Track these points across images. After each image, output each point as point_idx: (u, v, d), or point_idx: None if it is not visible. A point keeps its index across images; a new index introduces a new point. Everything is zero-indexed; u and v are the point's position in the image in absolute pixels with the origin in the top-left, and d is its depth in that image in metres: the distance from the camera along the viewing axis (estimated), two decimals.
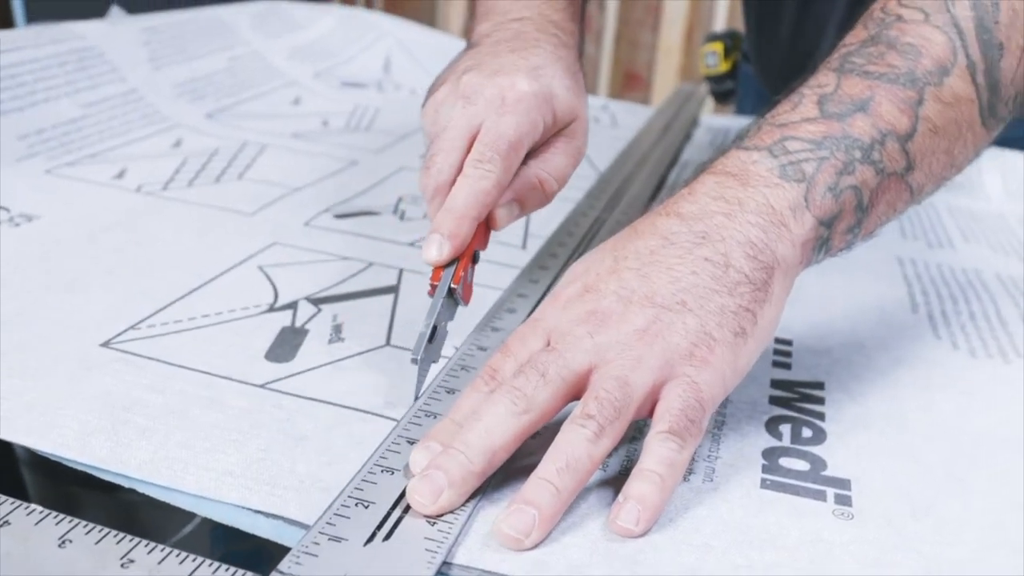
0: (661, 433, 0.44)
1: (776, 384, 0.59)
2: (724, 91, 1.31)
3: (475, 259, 0.55)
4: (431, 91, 0.59)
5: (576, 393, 0.45)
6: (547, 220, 0.79)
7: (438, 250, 0.52)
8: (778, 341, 0.64)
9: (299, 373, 0.54)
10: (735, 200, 0.49)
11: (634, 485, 0.43)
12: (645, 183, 0.92)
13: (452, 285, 0.52)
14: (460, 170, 0.54)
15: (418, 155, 0.95)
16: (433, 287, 0.52)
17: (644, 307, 0.46)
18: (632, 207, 0.84)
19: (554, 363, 0.44)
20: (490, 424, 0.43)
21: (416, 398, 0.50)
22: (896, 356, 0.64)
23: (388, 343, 0.58)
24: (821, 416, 0.55)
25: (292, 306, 0.61)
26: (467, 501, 0.42)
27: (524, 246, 0.75)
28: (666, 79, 2.94)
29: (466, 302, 0.53)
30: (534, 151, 0.58)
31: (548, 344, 0.47)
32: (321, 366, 0.55)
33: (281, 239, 0.71)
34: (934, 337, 0.68)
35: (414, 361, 0.49)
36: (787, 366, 0.61)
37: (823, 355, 0.63)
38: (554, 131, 0.59)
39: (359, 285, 0.65)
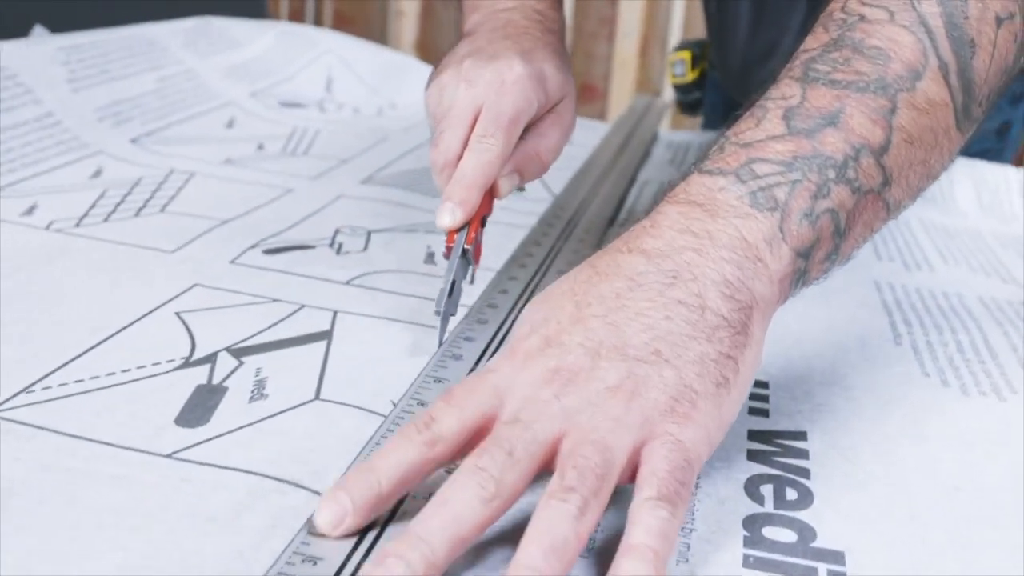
0: (650, 500, 0.38)
1: (754, 436, 0.52)
2: (691, 101, 1.26)
3: (483, 223, 0.60)
4: (433, 76, 0.63)
5: (546, 465, 0.40)
6: (497, 248, 0.73)
7: (451, 217, 0.57)
8: (754, 384, 0.58)
9: (213, 439, 0.47)
10: (704, 233, 0.45)
11: (626, 565, 0.36)
12: (602, 207, 0.86)
13: (466, 246, 0.57)
14: (466, 145, 0.58)
15: (359, 180, 0.89)
16: (448, 249, 0.57)
17: (615, 361, 0.42)
18: (589, 233, 0.78)
19: (520, 439, 0.39)
20: (458, 511, 0.37)
21: (440, 344, 0.56)
22: (883, 398, 0.59)
23: (317, 397, 0.52)
24: (806, 473, 0.49)
25: (210, 359, 0.54)
26: None
27: (471, 280, 0.69)
28: (622, 91, 2.89)
29: (477, 262, 0.60)
30: (530, 127, 0.62)
31: (500, 402, 0.42)
32: (239, 429, 0.48)
33: (203, 280, 0.64)
34: (922, 374, 0.63)
35: (437, 313, 0.56)
36: (764, 413, 0.55)
37: (803, 399, 0.57)
38: (547, 108, 0.63)
39: (288, 331, 0.59)
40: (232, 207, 0.79)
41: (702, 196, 0.47)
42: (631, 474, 0.40)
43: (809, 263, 0.47)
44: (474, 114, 0.59)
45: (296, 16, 3.09)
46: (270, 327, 0.59)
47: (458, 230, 0.57)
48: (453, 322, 0.58)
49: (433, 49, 3.41)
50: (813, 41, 0.52)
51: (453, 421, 0.41)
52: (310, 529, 0.39)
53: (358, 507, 0.39)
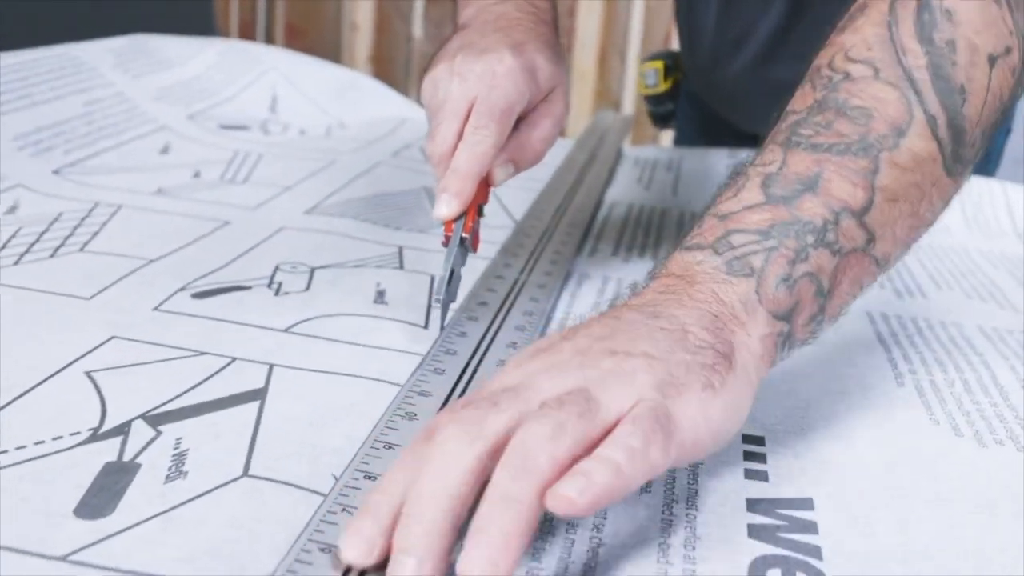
0: (624, 426, 0.37)
1: (754, 506, 0.46)
2: (664, 113, 1.22)
3: (480, 212, 0.61)
4: (428, 70, 0.64)
5: None
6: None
7: (447, 207, 0.58)
8: (748, 440, 0.52)
9: (118, 533, 0.39)
10: (684, 294, 0.46)
11: (584, 463, 0.35)
12: (568, 232, 0.79)
13: (463, 235, 0.58)
14: (460, 137, 0.59)
15: (302, 210, 0.81)
16: (447, 238, 0.59)
17: (604, 355, 0.41)
18: (556, 264, 0.72)
19: (506, 396, 0.39)
20: (440, 465, 0.36)
21: (441, 329, 0.58)
22: (892, 452, 0.52)
23: (246, 472, 0.44)
24: (817, 552, 0.42)
25: (122, 430, 0.47)
26: None
27: (426, 325, 0.62)
28: (582, 102, 2.84)
29: (475, 250, 0.61)
30: (522, 117, 0.63)
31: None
32: (150, 519, 0.40)
33: (121, 331, 0.57)
34: (931, 421, 0.56)
35: (437, 301, 0.58)
36: (763, 476, 0.48)
37: (805, 456, 0.51)
38: (539, 99, 0.64)
39: (216, 390, 0.51)
40: (160, 244, 0.71)
41: (681, 269, 0.47)
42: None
43: (792, 326, 0.47)
44: (467, 107, 0.60)
45: (246, 29, 3.01)
46: (195, 386, 0.51)
47: (455, 220, 0.59)
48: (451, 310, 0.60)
49: (388, 63, 3.33)
50: (799, 102, 0.52)
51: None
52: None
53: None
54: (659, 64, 1.18)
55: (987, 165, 1.13)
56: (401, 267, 0.71)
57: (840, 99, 0.50)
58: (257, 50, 1.19)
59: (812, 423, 0.54)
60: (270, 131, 1.08)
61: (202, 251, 0.70)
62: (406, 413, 0.48)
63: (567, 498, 0.34)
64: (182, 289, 0.63)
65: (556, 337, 0.44)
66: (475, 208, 0.60)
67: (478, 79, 0.60)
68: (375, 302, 0.64)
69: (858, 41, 0.51)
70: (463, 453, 0.36)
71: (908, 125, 0.49)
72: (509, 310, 0.63)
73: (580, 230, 0.81)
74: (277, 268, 0.68)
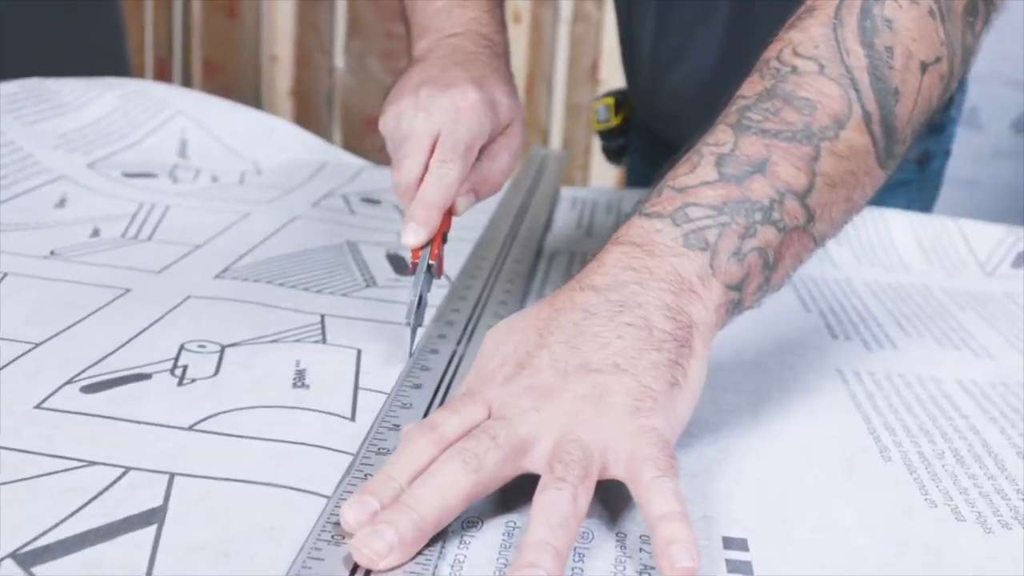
0: (655, 477, 0.43)
1: None
2: (616, 148, 1.22)
3: (444, 239, 0.64)
4: (389, 103, 0.66)
5: (523, 465, 0.45)
6: (387, 358, 0.59)
7: (415, 236, 0.61)
8: (730, 545, 0.45)
9: None
10: (644, 269, 0.50)
11: (668, 529, 0.41)
12: (507, 292, 0.72)
13: (430, 262, 0.61)
14: (426, 169, 0.62)
15: (212, 274, 0.73)
16: (414, 265, 0.61)
17: (581, 375, 0.47)
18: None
19: (504, 429, 0.45)
20: (442, 482, 0.42)
21: (410, 355, 0.60)
22: (892, 545, 0.46)
23: None
24: None
25: None
26: None
27: (352, 416, 0.54)
28: None
29: (439, 276, 0.64)
30: (483, 150, 0.66)
31: (488, 412, 0.47)
32: None
33: None
34: (926, 503, 0.50)
35: (407, 324, 0.60)
36: None
37: (795, 560, 0.44)
38: (499, 132, 0.67)
39: (104, 514, 0.43)
40: (49, 321, 0.62)
41: (641, 237, 0.52)
42: (621, 470, 0.45)
43: (742, 294, 0.52)
44: (432, 140, 0.63)
45: (162, 66, 2.90)
46: (79, 510, 0.43)
47: (422, 247, 0.61)
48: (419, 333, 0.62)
49: (310, 96, 3.25)
50: (749, 88, 0.56)
51: (455, 423, 0.46)
52: (339, 532, 0.42)
53: (383, 503, 0.42)
54: (610, 100, 1.19)
55: (928, 187, 1.12)
56: (323, 340, 0.63)
57: (788, 90, 0.54)
58: (162, 92, 1.10)
59: (797, 516, 0.48)
60: (179, 178, 0.99)
61: (97, 328, 0.62)
62: (331, 540, 0.41)
63: (688, 568, 0.40)
64: (71, 381, 0.55)
65: (532, 335, 0.49)
66: (440, 236, 0.63)
67: (443, 113, 0.63)
68: (294, 386, 0.57)
69: (805, 39, 0.55)
70: (460, 481, 0.43)
71: (847, 118, 0.53)
72: (447, 389, 0.56)
73: (521, 286, 0.74)
74: (182, 348, 0.60)
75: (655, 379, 0.47)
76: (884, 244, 0.96)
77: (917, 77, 0.55)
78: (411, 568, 0.41)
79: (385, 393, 0.57)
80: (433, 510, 0.42)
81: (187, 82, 3.00)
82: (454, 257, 0.80)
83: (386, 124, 0.66)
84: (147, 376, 0.56)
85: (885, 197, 0.97)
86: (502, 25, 0.77)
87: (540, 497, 0.42)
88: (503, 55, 0.74)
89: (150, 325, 0.63)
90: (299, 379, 0.58)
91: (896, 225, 0.98)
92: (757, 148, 0.53)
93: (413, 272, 0.61)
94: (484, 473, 0.43)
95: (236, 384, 0.56)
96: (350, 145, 3.25)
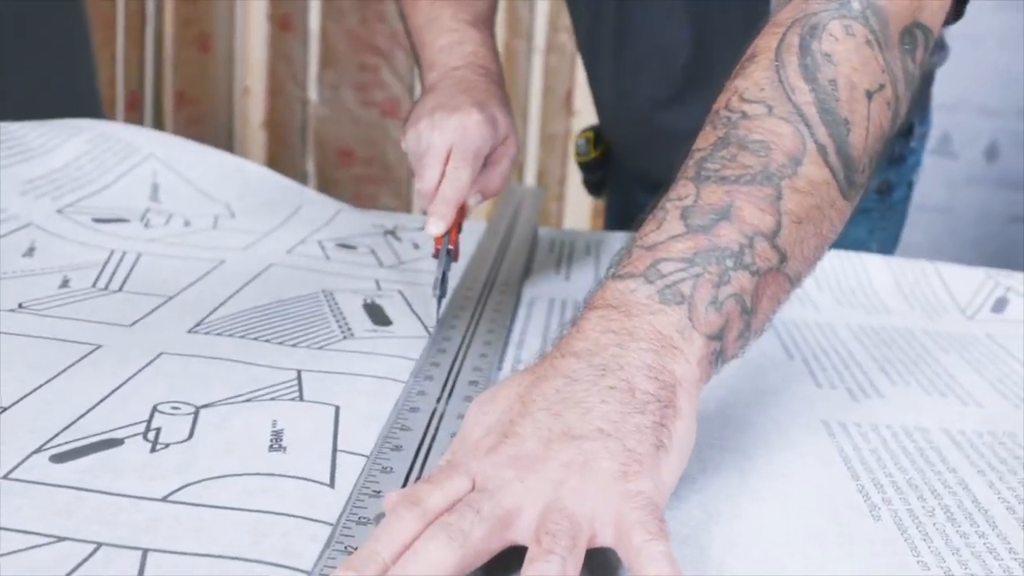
0: (646, 541, 0.42)
1: None
2: (596, 180, 1.27)
3: (459, 229, 0.78)
4: (410, 124, 0.80)
5: (509, 538, 0.44)
6: (366, 419, 0.57)
7: (436, 227, 0.73)
8: None
9: None
10: (623, 331, 0.50)
11: None
12: (487, 344, 0.71)
13: (449, 246, 0.76)
14: (443, 175, 0.75)
15: (185, 329, 0.71)
16: (436, 250, 0.76)
17: (565, 442, 0.46)
18: (476, 385, 0.63)
19: (487, 501, 0.44)
20: (428, 558, 0.42)
21: (437, 321, 0.75)
22: None
23: None
24: None
25: None
26: None
27: (331, 483, 0.53)
28: None
29: (456, 259, 0.78)
30: (486, 158, 0.79)
31: (472, 483, 0.46)
32: None
33: None
34: (920, 567, 0.50)
35: (434, 295, 0.76)
36: None
37: None
38: (498, 143, 0.80)
39: None
40: (16, 383, 0.61)
41: (617, 299, 0.52)
42: (610, 537, 0.44)
43: (724, 343, 0.52)
44: (447, 152, 0.76)
45: (133, 99, 2.88)
46: None
47: (443, 235, 0.75)
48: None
49: (283, 128, 3.23)
50: (703, 140, 0.57)
51: (439, 497, 0.45)
52: None
53: None
54: (590, 134, 1.23)
55: (891, 216, 1.15)
56: (300, 397, 0.62)
57: (740, 135, 0.55)
58: (132, 135, 1.08)
59: None
60: (151, 223, 0.98)
61: (67, 389, 0.60)
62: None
63: None
64: (39, 450, 0.53)
65: (515, 404, 0.49)
66: (456, 227, 0.77)
67: (453, 131, 0.76)
68: (271, 449, 0.55)
69: (751, 84, 0.57)
70: (447, 558, 0.42)
71: (803, 154, 0.55)
72: (427, 452, 0.55)
73: (501, 337, 0.73)
74: (155, 409, 0.59)
75: (640, 442, 0.46)
76: (864, 288, 0.95)
77: (864, 105, 0.57)
78: None
79: (364, 456, 0.55)
80: None
81: (158, 115, 2.98)
82: (433, 306, 0.79)
83: (407, 141, 0.79)
84: (119, 442, 0.54)
85: (847, 226, 1.00)
86: (496, 55, 0.90)
87: (528, 569, 0.41)
88: (498, 81, 0.87)
89: (122, 384, 0.62)
90: (276, 441, 0.56)
91: (875, 270, 0.98)
92: (719, 196, 0.53)
93: (436, 257, 0.77)
94: (470, 548, 0.42)
95: (211, 448, 0.54)
96: (324, 177, 3.24)
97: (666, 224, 0.54)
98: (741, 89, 0.57)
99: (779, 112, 0.55)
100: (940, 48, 1.08)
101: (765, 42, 0.59)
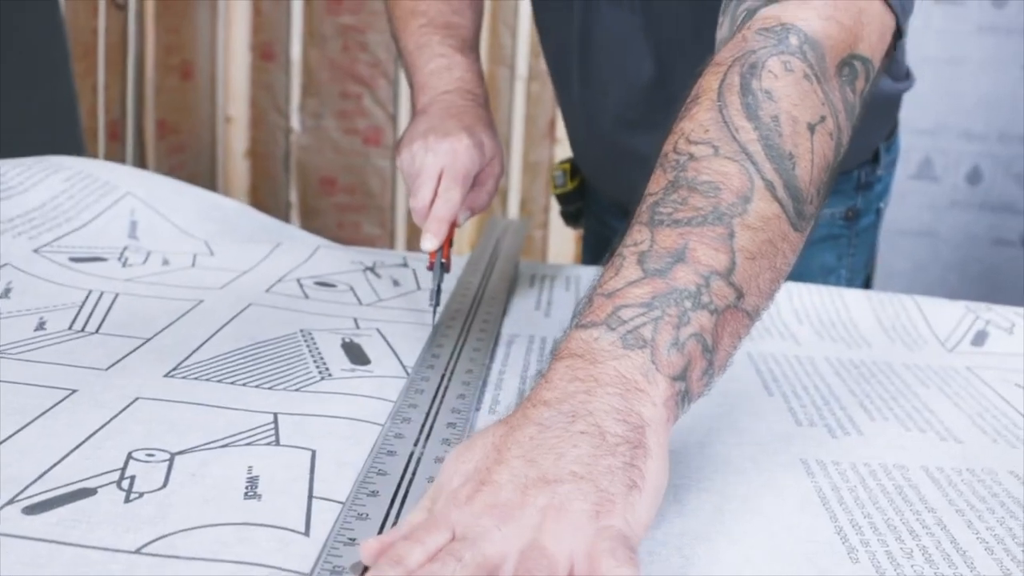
0: (615, 567, 0.44)
1: None
2: (573, 211, 1.30)
3: (451, 244, 0.85)
4: (404, 146, 0.87)
5: None
6: (341, 467, 0.57)
7: (430, 242, 0.81)
8: None
9: None
10: (590, 378, 0.52)
11: None
12: (466, 384, 0.71)
13: (443, 260, 0.83)
14: (435, 195, 0.83)
15: (162, 373, 0.70)
16: (431, 263, 0.83)
17: (540, 488, 0.47)
18: (454, 428, 0.63)
19: (468, 549, 0.45)
20: None
21: (432, 328, 0.83)
22: None
23: None
24: None
25: None
26: None
27: (306, 531, 0.52)
28: None
29: (448, 270, 0.84)
30: (474, 178, 0.87)
31: (452, 535, 0.46)
32: None
33: None
34: None
35: (430, 304, 0.83)
36: None
37: None
38: (485, 164, 0.88)
39: None
40: None
41: (581, 348, 0.53)
42: (578, 570, 0.45)
43: (688, 383, 0.53)
44: (439, 173, 0.83)
45: (115, 128, 2.88)
46: None
47: (437, 250, 0.82)
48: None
49: (266, 158, 3.23)
50: (655, 184, 0.59)
51: (419, 554, 0.45)
52: None
53: None
54: (566, 165, 1.26)
55: (860, 243, 1.15)
56: (277, 441, 0.62)
57: (689, 177, 0.57)
58: (110, 173, 1.08)
59: None
60: (130, 262, 0.97)
61: (41, 436, 0.60)
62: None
63: None
64: (12, 501, 0.52)
65: (491, 453, 0.50)
66: (448, 241, 0.84)
67: (445, 154, 0.84)
68: (246, 496, 0.55)
69: (695, 126, 0.59)
70: None
71: (751, 192, 0.56)
72: (404, 496, 0.54)
73: (480, 376, 0.73)
74: (130, 457, 0.58)
75: (612, 483, 0.48)
76: (844, 322, 0.96)
77: (807, 139, 0.59)
78: None
79: (339, 502, 0.55)
80: None
81: (140, 144, 2.97)
82: (413, 344, 0.79)
83: (402, 162, 0.87)
84: (93, 491, 0.54)
85: (815, 252, 1.06)
86: (481, 78, 0.98)
87: None
88: (484, 104, 0.95)
89: (97, 431, 0.61)
90: (251, 488, 0.56)
91: (855, 304, 0.98)
92: (673, 239, 0.55)
93: (431, 269, 0.83)
94: None
95: (186, 497, 0.54)
96: (307, 206, 3.23)
97: (624, 270, 0.55)
98: (687, 131, 0.59)
99: (725, 152, 0.57)
100: (906, 76, 1.10)
101: (707, 82, 0.61)
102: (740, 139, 0.58)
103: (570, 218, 1.31)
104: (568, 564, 0.45)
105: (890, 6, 0.66)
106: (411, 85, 0.97)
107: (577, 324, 0.55)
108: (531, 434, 0.50)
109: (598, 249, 1.24)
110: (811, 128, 0.59)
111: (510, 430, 0.51)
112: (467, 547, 0.45)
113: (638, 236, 0.57)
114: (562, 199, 1.29)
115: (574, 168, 1.26)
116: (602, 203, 1.24)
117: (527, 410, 0.52)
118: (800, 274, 1.03)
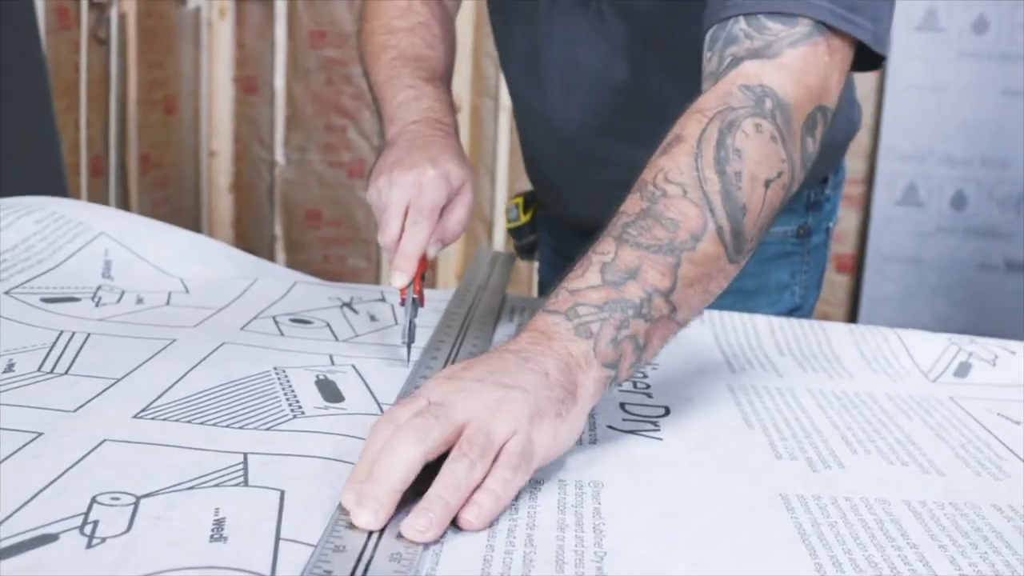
0: (499, 468, 0.59)
1: None
2: (527, 245, 1.33)
3: (423, 278, 0.87)
4: (372, 179, 0.89)
5: (452, 440, 0.59)
6: (309, 506, 0.55)
7: (400, 279, 0.83)
8: None
9: None
10: (546, 346, 0.66)
11: (478, 495, 0.58)
12: None
13: (414, 296, 0.84)
14: (403, 229, 0.84)
15: (131, 414, 0.69)
16: (402, 299, 0.85)
17: (497, 386, 0.62)
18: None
19: (443, 412, 0.59)
20: (402, 451, 0.57)
21: (407, 363, 0.84)
22: None
23: None
24: None
25: None
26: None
27: (273, 572, 0.51)
28: None
29: (422, 304, 0.87)
30: (443, 208, 0.87)
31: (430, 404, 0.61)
32: None
33: None
34: None
35: (403, 342, 0.84)
36: None
37: None
38: (454, 194, 0.89)
39: None
40: None
41: (543, 327, 0.67)
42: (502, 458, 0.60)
43: (618, 371, 0.68)
44: (405, 207, 0.85)
45: (97, 163, 2.87)
46: None
47: (407, 286, 0.83)
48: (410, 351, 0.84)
49: (250, 191, 3.23)
50: (631, 206, 0.71)
51: (406, 414, 0.60)
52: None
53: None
54: (519, 199, 1.30)
55: (812, 259, 1.19)
56: (245, 482, 0.60)
57: (659, 210, 0.69)
58: (83, 215, 1.06)
59: None
60: (103, 301, 0.96)
61: (4, 482, 0.58)
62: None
63: (468, 521, 0.56)
64: None
65: (459, 367, 0.65)
66: (419, 275, 0.85)
67: (410, 187, 0.85)
68: (211, 539, 0.53)
69: (673, 167, 0.71)
70: (414, 451, 0.57)
71: (703, 233, 0.69)
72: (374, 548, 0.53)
73: None
74: (94, 501, 0.57)
75: (546, 406, 0.62)
76: (827, 354, 0.95)
77: (761, 193, 0.71)
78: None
79: (307, 544, 0.53)
80: (400, 473, 0.56)
81: (123, 179, 2.96)
82: (389, 380, 0.78)
83: (370, 197, 0.89)
84: (54, 537, 0.53)
85: (771, 270, 1.11)
86: (451, 108, 0.99)
87: (446, 466, 0.57)
88: (453, 133, 0.96)
89: (61, 474, 0.60)
90: (217, 531, 0.54)
91: (836, 337, 0.98)
92: (632, 258, 0.68)
93: (403, 305, 0.84)
94: (430, 443, 0.57)
95: (149, 542, 0.53)
96: (292, 239, 3.23)
97: (588, 274, 0.68)
98: (667, 169, 0.71)
99: (691, 197, 0.69)
100: (849, 123, 1.15)
101: (691, 129, 0.72)
102: (706, 189, 0.69)
103: (524, 252, 1.34)
104: (500, 445, 0.59)
105: (856, 40, 0.77)
106: (380, 119, 0.99)
107: (544, 309, 0.68)
108: (492, 367, 0.64)
109: (553, 279, 1.24)
110: (767, 183, 0.71)
111: (476, 361, 0.65)
112: (442, 411, 0.59)
113: (606, 247, 0.69)
114: (515, 233, 1.31)
115: (527, 202, 1.28)
116: (558, 231, 1.26)
117: (491, 355, 0.66)
118: (757, 290, 1.12)
